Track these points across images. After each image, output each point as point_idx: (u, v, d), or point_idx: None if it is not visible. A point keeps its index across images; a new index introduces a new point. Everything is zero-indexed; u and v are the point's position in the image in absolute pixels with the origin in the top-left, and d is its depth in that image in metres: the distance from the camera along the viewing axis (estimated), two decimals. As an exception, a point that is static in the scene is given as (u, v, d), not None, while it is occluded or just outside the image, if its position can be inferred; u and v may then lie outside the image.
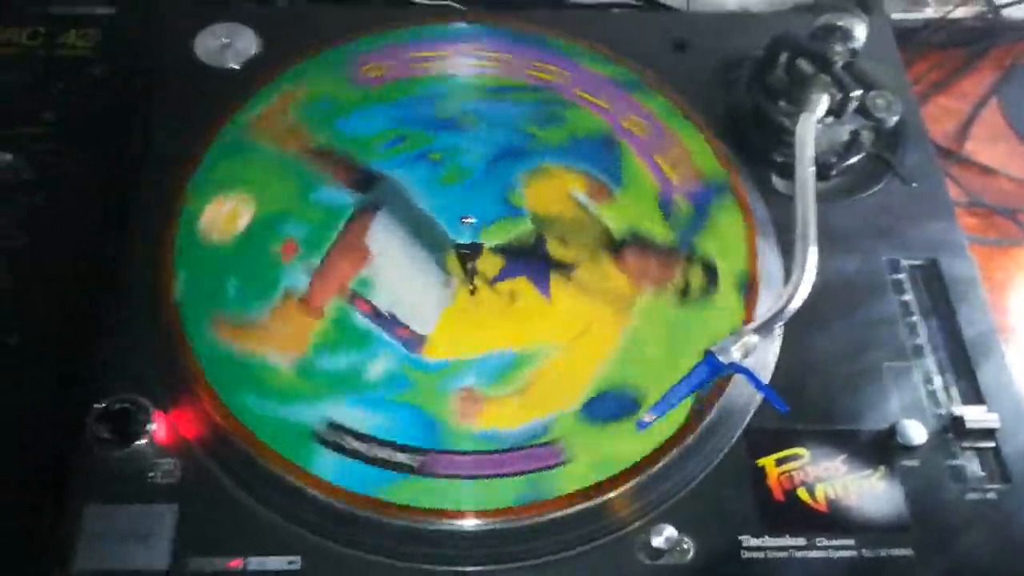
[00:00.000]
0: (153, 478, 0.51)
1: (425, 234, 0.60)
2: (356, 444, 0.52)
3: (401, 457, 0.52)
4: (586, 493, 0.51)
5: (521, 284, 0.59)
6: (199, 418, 0.53)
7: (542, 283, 0.59)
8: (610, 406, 0.54)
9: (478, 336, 0.56)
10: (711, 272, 0.59)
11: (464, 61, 0.70)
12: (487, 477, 0.51)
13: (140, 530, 0.49)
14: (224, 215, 0.60)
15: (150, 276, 0.58)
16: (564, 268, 0.59)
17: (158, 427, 0.52)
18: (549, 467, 0.52)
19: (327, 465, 0.51)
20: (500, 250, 0.60)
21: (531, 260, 0.60)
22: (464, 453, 0.52)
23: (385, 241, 0.60)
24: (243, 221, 0.60)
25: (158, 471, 0.52)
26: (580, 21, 0.74)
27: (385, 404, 0.53)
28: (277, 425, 0.52)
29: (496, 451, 0.52)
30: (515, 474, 0.51)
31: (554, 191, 0.63)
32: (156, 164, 0.63)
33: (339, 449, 0.52)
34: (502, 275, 0.59)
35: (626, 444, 0.52)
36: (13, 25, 0.68)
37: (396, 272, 0.58)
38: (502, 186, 0.63)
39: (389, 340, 0.55)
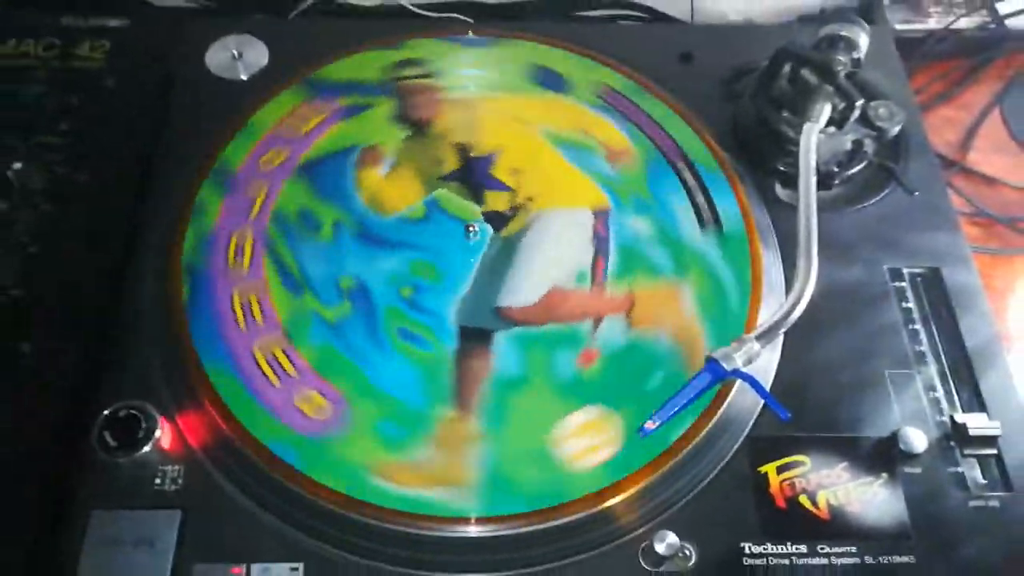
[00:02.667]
0: (158, 485, 0.52)
1: None
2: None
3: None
4: (588, 500, 0.51)
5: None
6: (204, 425, 0.54)
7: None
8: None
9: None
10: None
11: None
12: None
13: (144, 536, 0.50)
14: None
15: (159, 285, 0.59)
16: None
17: (163, 434, 0.53)
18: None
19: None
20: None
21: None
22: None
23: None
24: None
25: (163, 478, 0.52)
26: (586, 33, 0.75)
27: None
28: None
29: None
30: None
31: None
32: (166, 174, 0.65)
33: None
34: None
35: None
36: (28, 37, 0.69)
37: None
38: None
39: None
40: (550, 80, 0.71)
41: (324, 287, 0.59)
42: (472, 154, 0.66)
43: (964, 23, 0.91)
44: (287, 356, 0.56)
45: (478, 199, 0.63)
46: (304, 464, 0.52)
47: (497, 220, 0.63)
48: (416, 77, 0.70)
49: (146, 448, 0.51)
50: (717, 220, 0.63)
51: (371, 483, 0.51)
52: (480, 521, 0.51)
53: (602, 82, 0.71)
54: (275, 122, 0.67)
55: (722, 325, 0.58)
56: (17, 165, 0.61)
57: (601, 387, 0.56)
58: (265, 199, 0.62)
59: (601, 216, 0.63)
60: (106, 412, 0.52)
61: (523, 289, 0.60)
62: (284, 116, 0.67)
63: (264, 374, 0.55)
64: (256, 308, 0.57)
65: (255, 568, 0.50)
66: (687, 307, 0.59)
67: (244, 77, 0.71)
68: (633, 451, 0.53)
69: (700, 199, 0.64)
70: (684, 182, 0.65)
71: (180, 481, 0.52)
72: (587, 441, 0.53)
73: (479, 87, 0.71)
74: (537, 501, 0.51)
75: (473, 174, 0.65)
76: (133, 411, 0.52)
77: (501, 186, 0.64)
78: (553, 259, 0.61)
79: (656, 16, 0.88)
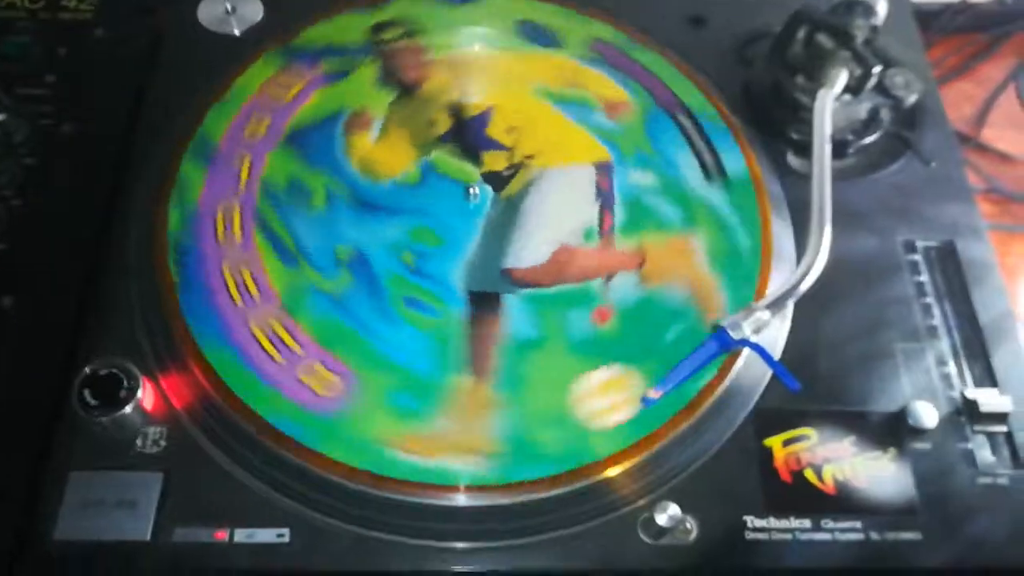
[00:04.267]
0: (140, 446, 0.50)
1: None
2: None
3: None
4: (588, 469, 0.49)
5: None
6: (188, 387, 0.52)
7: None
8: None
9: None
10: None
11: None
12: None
13: (124, 498, 0.48)
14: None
15: (144, 241, 0.57)
16: None
17: (146, 394, 0.51)
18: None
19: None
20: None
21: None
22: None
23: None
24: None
25: (145, 439, 0.50)
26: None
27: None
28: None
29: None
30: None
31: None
32: (154, 128, 0.62)
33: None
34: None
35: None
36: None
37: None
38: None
39: None
40: (540, 35, 0.69)
41: (321, 258, 0.57)
42: (464, 115, 0.64)
43: (981, -4, 0.88)
44: (287, 330, 0.53)
45: (475, 160, 0.61)
46: (315, 440, 0.50)
47: (496, 181, 0.61)
48: (399, 38, 0.68)
49: (127, 408, 0.49)
50: (722, 170, 0.62)
51: (387, 456, 0.49)
52: (473, 490, 0.49)
53: (593, 35, 0.68)
54: (255, 91, 0.64)
55: (735, 274, 0.57)
56: (1, 117, 0.59)
57: (618, 344, 0.54)
58: (251, 170, 0.60)
59: (603, 170, 0.61)
60: (87, 370, 0.50)
61: (530, 249, 0.58)
62: (263, 84, 0.64)
63: (264, 349, 0.53)
64: (250, 282, 0.55)
65: (239, 532, 0.48)
66: (699, 258, 0.58)
67: (237, 32, 0.69)
68: (639, 421, 0.51)
69: (703, 149, 0.63)
70: (685, 132, 0.63)
71: (163, 443, 0.50)
72: (609, 400, 0.52)
73: (466, 45, 0.68)
74: (562, 465, 0.49)
75: (468, 135, 0.63)
76: (115, 370, 0.50)
77: (498, 146, 0.62)
78: (558, 217, 0.59)
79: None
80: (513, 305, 0.55)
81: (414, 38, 0.68)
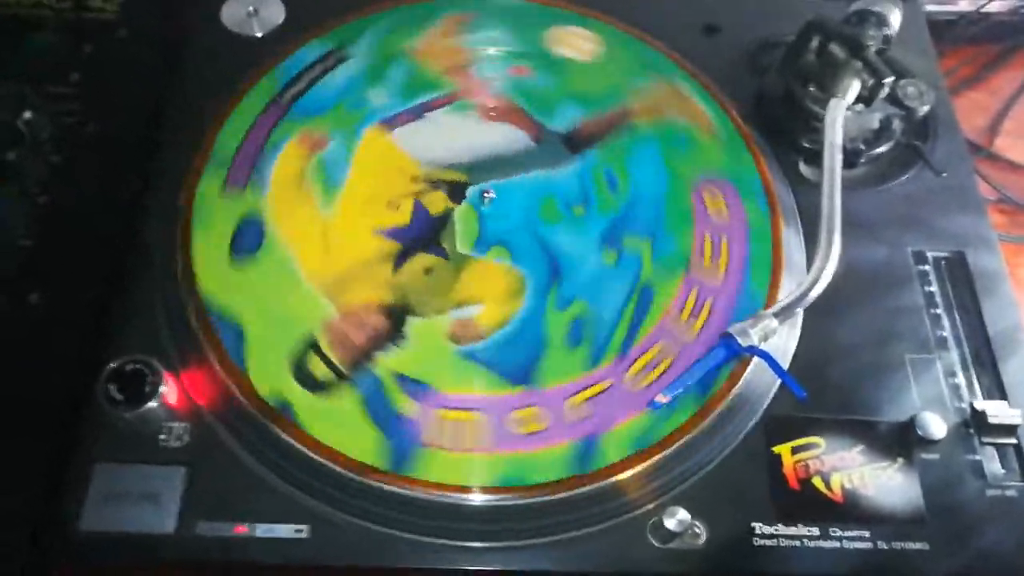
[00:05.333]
0: (163, 441, 0.51)
1: None
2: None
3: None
4: (598, 473, 0.50)
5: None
6: (211, 383, 0.53)
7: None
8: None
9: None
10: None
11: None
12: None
13: (148, 492, 0.49)
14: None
15: (169, 238, 0.58)
16: None
17: (169, 390, 0.52)
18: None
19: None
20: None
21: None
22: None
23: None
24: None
25: (169, 434, 0.51)
26: (611, 1, 0.73)
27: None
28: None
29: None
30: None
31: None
32: (177, 128, 0.63)
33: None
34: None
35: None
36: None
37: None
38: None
39: None
40: None
41: None
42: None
43: (995, 6, 0.89)
44: None
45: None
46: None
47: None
48: None
49: (151, 403, 0.50)
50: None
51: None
52: (486, 491, 0.50)
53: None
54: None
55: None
56: (27, 114, 0.60)
57: None
58: None
59: None
60: (112, 365, 0.51)
61: None
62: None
63: None
64: None
65: (259, 528, 0.49)
66: None
67: (259, 34, 0.69)
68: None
69: None
70: None
71: (185, 438, 0.51)
72: None
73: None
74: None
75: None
76: (139, 366, 0.51)
77: None
78: None
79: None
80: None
81: None
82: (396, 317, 0.55)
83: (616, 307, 0.57)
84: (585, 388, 0.54)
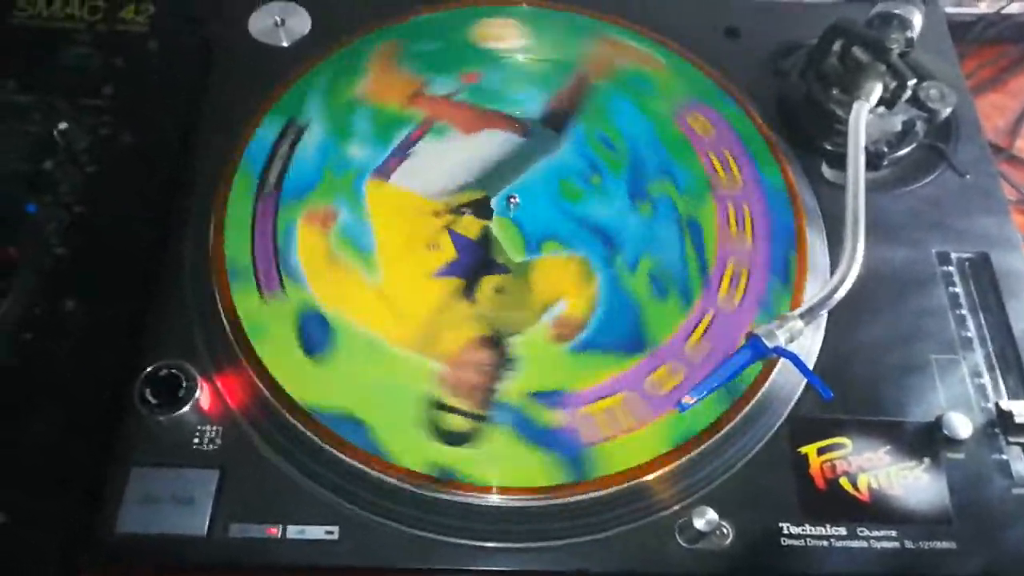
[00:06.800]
0: (197, 444, 0.52)
1: None
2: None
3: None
4: (627, 474, 0.51)
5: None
6: (243, 387, 0.54)
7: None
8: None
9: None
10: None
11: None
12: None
13: (182, 494, 0.50)
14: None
15: (201, 245, 0.59)
16: None
17: (203, 394, 0.53)
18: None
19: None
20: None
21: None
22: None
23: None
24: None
25: (202, 437, 0.52)
26: (633, 5, 0.74)
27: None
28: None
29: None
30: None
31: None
32: (207, 138, 0.65)
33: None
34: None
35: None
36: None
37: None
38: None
39: None
40: None
41: None
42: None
43: (1015, 8, 0.88)
44: None
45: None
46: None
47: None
48: None
49: (186, 407, 0.52)
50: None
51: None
52: (508, 491, 0.51)
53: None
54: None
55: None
56: (63, 125, 0.61)
57: None
58: None
59: None
60: (148, 370, 0.52)
61: None
62: None
63: None
64: None
65: (291, 529, 0.50)
66: None
67: (286, 44, 0.71)
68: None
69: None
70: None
71: (218, 441, 0.52)
72: None
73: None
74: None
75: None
76: (174, 370, 0.52)
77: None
78: None
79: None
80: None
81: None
82: (496, 343, 0.56)
83: (676, 248, 0.60)
84: (694, 328, 0.56)
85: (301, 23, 0.71)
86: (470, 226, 0.61)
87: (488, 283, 0.58)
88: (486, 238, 0.60)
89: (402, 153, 0.64)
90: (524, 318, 0.56)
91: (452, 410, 0.53)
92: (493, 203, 0.62)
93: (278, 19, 0.71)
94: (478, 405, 0.53)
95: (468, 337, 0.56)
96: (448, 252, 0.59)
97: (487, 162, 0.63)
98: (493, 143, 0.64)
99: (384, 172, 0.63)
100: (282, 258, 0.58)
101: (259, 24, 0.71)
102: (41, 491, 0.51)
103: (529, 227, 0.61)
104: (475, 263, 0.59)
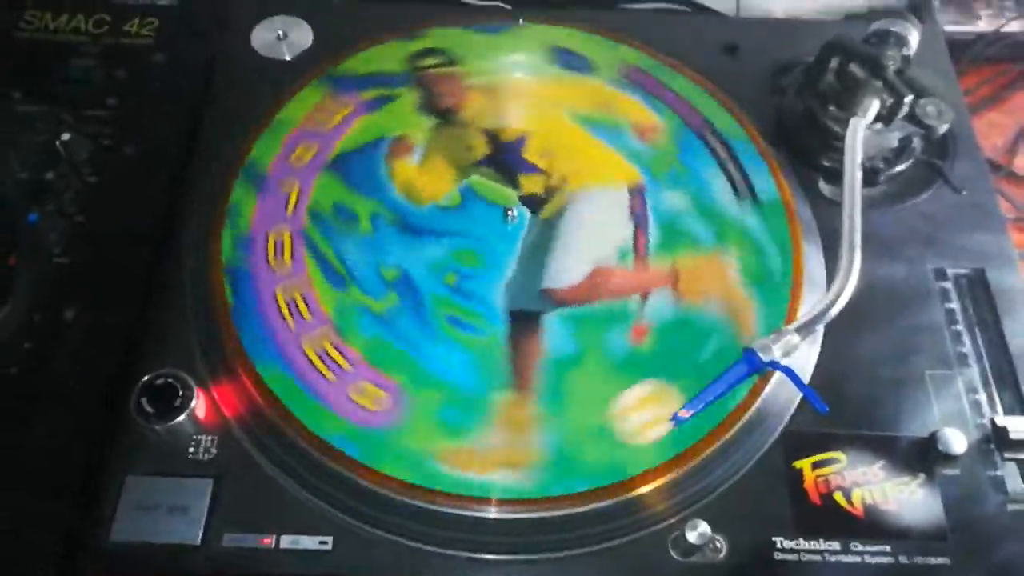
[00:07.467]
0: (192, 454, 0.52)
1: None
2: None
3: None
4: (620, 487, 0.51)
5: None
6: (238, 397, 0.54)
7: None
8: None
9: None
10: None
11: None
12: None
13: (177, 503, 0.51)
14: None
15: (200, 256, 0.59)
16: None
17: (199, 404, 0.53)
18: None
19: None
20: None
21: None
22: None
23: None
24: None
25: (197, 447, 0.53)
26: (629, 22, 0.75)
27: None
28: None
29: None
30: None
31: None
32: (208, 151, 0.65)
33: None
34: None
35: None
36: (80, 13, 0.70)
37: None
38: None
39: None
40: (572, 61, 0.71)
41: (368, 279, 0.59)
42: (501, 139, 0.66)
43: (1014, 26, 0.89)
44: (337, 349, 0.55)
45: (513, 183, 0.63)
46: (365, 454, 0.52)
47: (533, 203, 0.63)
48: (437, 66, 0.70)
49: (181, 417, 0.52)
50: (752, 191, 0.64)
51: (433, 470, 0.51)
52: (505, 504, 0.51)
53: (623, 60, 0.71)
54: (301, 119, 0.66)
55: (766, 297, 0.59)
56: (65, 136, 0.62)
57: (655, 361, 0.56)
58: (299, 194, 0.62)
59: (636, 192, 0.63)
60: (144, 379, 0.53)
61: (567, 269, 0.59)
62: (309, 112, 0.66)
63: (315, 366, 0.55)
64: (302, 304, 0.57)
65: (284, 539, 0.50)
66: (731, 276, 0.59)
67: (288, 57, 0.71)
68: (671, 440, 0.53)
69: (733, 171, 0.65)
70: (716, 156, 0.65)
71: (213, 451, 0.53)
72: (648, 415, 0.53)
73: (502, 72, 0.70)
74: (601, 479, 0.51)
75: (505, 159, 0.65)
76: (170, 380, 0.53)
77: (534, 169, 0.64)
78: (594, 238, 0.61)
79: (698, 8, 0.87)
80: (552, 324, 0.57)
81: (452, 66, 0.70)
82: None
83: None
84: None
85: (303, 37, 0.72)
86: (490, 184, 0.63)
87: None
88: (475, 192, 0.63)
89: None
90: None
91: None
92: (513, 208, 0.62)
93: (280, 32, 0.72)
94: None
95: None
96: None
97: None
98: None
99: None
100: None
101: (262, 38, 0.72)
102: (41, 495, 0.51)
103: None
104: None
